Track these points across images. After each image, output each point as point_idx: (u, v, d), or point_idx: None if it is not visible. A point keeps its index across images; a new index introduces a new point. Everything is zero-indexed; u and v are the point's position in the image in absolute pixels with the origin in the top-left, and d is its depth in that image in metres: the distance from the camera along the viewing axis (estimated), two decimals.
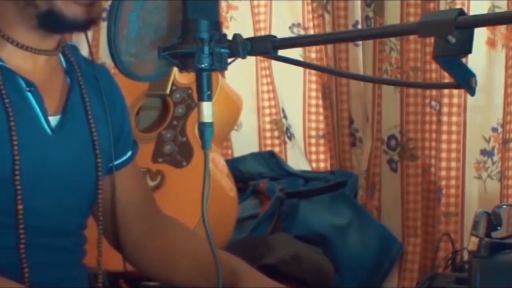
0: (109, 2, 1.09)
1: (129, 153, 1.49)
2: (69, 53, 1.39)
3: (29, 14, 1.25)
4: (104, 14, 1.41)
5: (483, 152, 2.19)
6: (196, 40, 0.99)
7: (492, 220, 1.48)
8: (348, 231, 2.25)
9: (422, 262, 2.28)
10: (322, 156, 2.62)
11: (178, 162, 2.08)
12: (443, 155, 2.19)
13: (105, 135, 1.39)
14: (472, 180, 2.19)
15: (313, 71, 2.65)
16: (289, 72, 2.59)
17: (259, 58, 2.53)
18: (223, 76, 2.41)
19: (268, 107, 2.64)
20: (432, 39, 0.91)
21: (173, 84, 2.21)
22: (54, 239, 1.33)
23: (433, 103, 2.25)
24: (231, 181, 2.14)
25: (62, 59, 1.38)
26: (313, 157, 2.63)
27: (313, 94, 2.62)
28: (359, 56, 2.51)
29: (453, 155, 2.19)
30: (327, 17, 2.58)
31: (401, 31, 1.29)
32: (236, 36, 1.01)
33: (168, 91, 2.20)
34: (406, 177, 2.32)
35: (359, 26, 2.47)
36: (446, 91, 2.18)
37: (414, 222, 2.30)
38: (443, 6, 2.15)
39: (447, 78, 1.29)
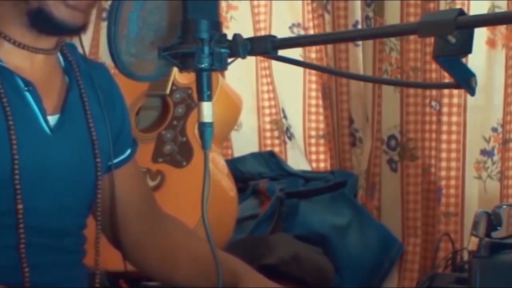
0: (109, 2, 1.09)
1: (128, 151, 1.49)
2: (68, 51, 1.39)
3: (21, 10, 1.25)
4: (104, 14, 1.41)
5: (483, 152, 2.19)
6: (196, 40, 0.99)
7: (492, 220, 1.48)
8: (348, 231, 2.25)
9: (422, 262, 2.28)
10: (322, 156, 2.62)
11: (178, 162, 2.08)
12: (443, 155, 2.19)
13: (104, 134, 1.38)
14: (472, 180, 2.19)
15: (313, 71, 2.65)
16: (289, 72, 2.59)
17: (259, 58, 2.53)
18: (223, 76, 2.41)
19: (268, 107, 2.64)
20: (432, 39, 0.91)
21: (173, 84, 2.21)
22: (54, 239, 1.33)
23: (433, 103, 2.25)
24: (231, 181, 2.14)
25: (61, 58, 1.38)
26: (313, 157, 2.63)
27: (313, 94, 2.62)
28: (359, 56, 2.51)
29: (453, 155, 2.19)
30: (327, 17, 2.58)
31: (401, 31, 1.29)
32: (236, 36, 1.01)
33: (168, 91, 2.20)
34: (406, 177, 2.32)
35: (359, 26, 2.47)
36: (446, 91, 2.18)
37: (414, 222, 2.30)
38: (443, 6, 2.15)
39: (447, 78, 1.29)
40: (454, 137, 2.18)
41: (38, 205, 1.28)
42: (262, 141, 2.65)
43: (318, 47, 2.57)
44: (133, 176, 1.50)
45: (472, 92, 0.94)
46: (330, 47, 2.59)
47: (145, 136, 2.16)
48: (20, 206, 1.25)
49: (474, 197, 2.20)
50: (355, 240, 2.24)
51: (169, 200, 1.88)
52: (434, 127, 2.25)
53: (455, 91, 2.16)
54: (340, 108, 2.60)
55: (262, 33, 2.57)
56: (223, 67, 1.01)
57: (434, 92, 2.24)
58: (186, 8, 1.01)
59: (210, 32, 1.00)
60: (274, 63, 2.56)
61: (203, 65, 1.00)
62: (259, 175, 2.48)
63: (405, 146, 2.31)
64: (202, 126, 1.02)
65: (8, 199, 1.24)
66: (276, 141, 2.64)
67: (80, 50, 1.44)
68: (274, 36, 1.01)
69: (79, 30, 1.28)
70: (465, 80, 0.94)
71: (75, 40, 1.41)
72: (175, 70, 1.70)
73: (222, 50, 1.00)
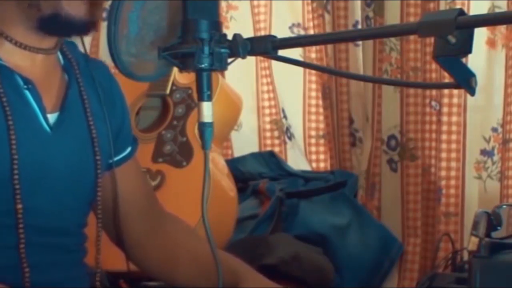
0: (109, 2, 1.09)
1: (129, 149, 1.48)
2: (67, 50, 1.39)
3: (31, 15, 1.25)
4: (104, 14, 1.41)
5: (483, 152, 2.19)
6: (196, 40, 0.99)
7: (492, 220, 1.48)
8: (348, 231, 2.25)
9: (422, 262, 2.28)
10: (322, 156, 2.62)
11: (178, 162, 2.08)
12: (443, 155, 2.19)
13: (104, 132, 1.38)
14: (472, 180, 2.19)
15: (313, 71, 2.65)
16: (289, 72, 2.59)
17: (259, 58, 2.53)
18: (223, 76, 2.41)
19: (268, 107, 2.64)
20: (432, 39, 0.91)
21: (173, 84, 2.21)
22: (54, 238, 1.32)
23: (433, 103, 2.25)
24: (231, 181, 2.13)
25: (60, 56, 1.38)
26: (313, 157, 2.63)
27: (313, 94, 2.62)
28: (359, 56, 2.51)
29: (453, 155, 2.19)
30: (327, 17, 2.58)
31: (401, 31, 1.29)
32: (236, 36, 1.01)
33: (168, 91, 2.20)
34: (406, 177, 2.32)
35: (359, 26, 2.47)
36: (446, 91, 2.18)
37: (414, 222, 2.30)
38: (443, 6, 2.15)
39: (447, 78, 1.29)
40: (454, 137, 2.18)
41: (37, 204, 1.28)
42: (262, 141, 2.65)
43: (318, 47, 2.57)
44: (134, 174, 1.50)
45: (472, 92, 0.94)
46: (330, 47, 2.59)
47: (145, 136, 2.16)
48: (19, 206, 1.24)
49: (474, 197, 2.20)
50: (355, 240, 2.24)
51: (169, 200, 1.87)
52: (434, 127, 2.25)
53: (455, 91, 2.16)
54: (340, 108, 2.60)
55: (262, 33, 2.57)
56: (223, 67, 1.01)
57: (434, 92, 2.24)
58: (186, 8, 1.01)
59: (210, 32, 1.00)
60: (274, 63, 2.56)
61: (203, 65, 1.00)
62: (259, 175, 2.48)
63: (405, 146, 2.31)
64: (202, 126, 1.02)
65: (8, 199, 1.24)
66: (276, 141, 2.64)
67: (81, 48, 1.44)
68: (274, 36, 1.01)
69: (90, 27, 1.27)
70: (465, 80, 0.94)
71: (76, 39, 1.40)
72: (175, 70, 1.70)
73: (222, 50, 1.00)
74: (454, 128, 2.18)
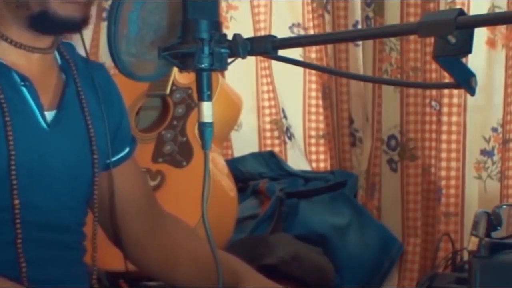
0: (109, 2, 1.09)
1: (127, 150, 1.48)
2: (65, 50, 1.39)
3: (21, 14, 1.26)
4: (104, 14, 1.41)
5: (483, 152, 2.19)
6: (196, 40, 0.99)
7: (492, 220, 1.48)
8: (348, 231, 2.25)
9: (422, 262, 2.28)
10: (322, 156, 2.62)
11: (178, 162, 2.08)
12: (443, 155, 2.19)
13: (101, 131, 1.39)
14: (472, 180, 2.19)
15: (313, 71, 2.65)
16: (289, 72, 2.59)
17: (259, 58, 2.53)
18: (223, 76, 2.41)
19: (268, 107, 2.64)
20: (432, 39, 0.91)
21: (173, 84, 2.21)
22: (52, 235, 1.33)
23: (433, 103, 2.25)
24: (231, 181, 2.14)
25: (58, 56, 1.38)
26: (313, 157, 2.63)
27: (313, 94, 2.62)
28: (359, 56, 2.51)
29: (453, 155, 2.19)
30: (327, 17, 2.58)
31: (401, 31, 1.29)
32: (236, 36, 1.01)
33: (168, 91, 2.20)
34: (406, 177, 2.32)
35: (359, 26, 2.47)
36: (446, 91, 2.18)
37: (414, 222, 2.30)
38: (443, 6, 2.15)
39: (447, 78, 1.29)
40: (454, 137, 2.18)
41: (35, 200, 1.28)
42: (262, 141, 2.65)
43: (318, 47, 2.57)
44: (132, 175, 1.50)
45: (472, 92, 0.94)
46: (330, 47, 2.59)
47: (145, 136, 2.16)
48: (16, 201, 1.25)
49: (474, 197, 2.20)
50: (355, 240, 2.24)
51: (169, 200, 1.87)
52: (434, 127, 2.25)
53: (455, 91, 2.16)
54: (340, 108, 2.60)
55: (262, 33, 2.57)
56: (223, 67, 1.01)
57: (434, 92, 2.24)
58: (186, 8, 1.01)
59: (210, 32, 1.00)
60: (274, 63, 2.56)
61: (203, 65, 1.00)
62: (259, 175, 2.48)
63: (405, 146, 2.31)
64: (202, 126, 1.02)
65: (5, 194, 1.25)
66: (276, 141, 2.64)
67: (80, 50, 1.44)
68: (274, 36, 1.01)
69: (81, 24, 1.28)
70: (465, 80, 0.94)
71: (77, 41, 1.41)
72: (175, 70, 1.70)
73: (222, 50, 1.00)
74: (454, 128, 2.18)
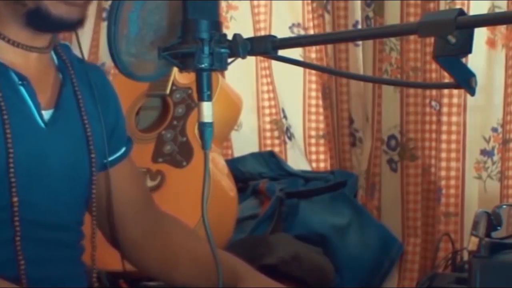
0: (109, 2, 1.09)
1: (123, 150, 1.49)
2: (61, 51, 1.40)
3: (18, 12, 1.26)
4: (104, 14, 1.41)
5: (483, 152, 2.19)
6: (196, 40, 0.99)
7: (492, 220, 1.48)
8: (348, 231, 2.25)
9: (422, 262, 2.28)
10: (322, 156, 2.62)
11: (178, 162, 2.08)
12: (443, 155, 2.19)
13: (98, 130, 1.39)
14: (472, 180, 2.19)
15: (313, 71, 2.65)
16: (289, 72, 2.59)
17: (259, 58, 2.53)
18: (223, 76, 2.41)
19: (268, 107, 2.64)
20: (432, 39, 0.91)
21: (173, 84, 2.21)
22: (50, 233, 1.33)
23: (433, 103, 2.25)
24: (231, 181, 2.14)
25: (54, 57, 1.39)
26: (313, 157, 2.63)
27: (313, 94, 2.62)
28: (359, 56, 2.51)
29: (453, 155, 2.19)
30: (327, 17, 2.58)
31: (401, 31, 1.29)
32: (236, 36, 1.01)
33: (168, 91, 2.20)
34: (406, 177, 2.32)
35: (359, 26, 2.47)
36: (446, 91, 2.18)
37: (414, 222, 2.30)
38: (443, 6, 2.15)
39: (447, 78, 1.29)
40: (454, 137, 2.18)
41: (33, 199, 1.29)
42: (262, 141, 2.65)
43: (318, 47, 2.57)
44: (129, 175, 1.50)
45: (472, 92, 0.94)
46: (330, 47, 2.59)
47: (145, 136, 2.16)
48: (15, 199, 1.25)
49: (474, 197, 2.20)
50: (355, 240, 2.24)
51: (169, 200, 1.88)
52: (434, 127, 2.25)
53: (455, 91, 2.16)
54: (340, 108, 2.60)
55: (262, 33, 2.57)
56: (223, 67, 1.01)
57: (434, 92, 2.24)
58: (186, 8, 1.01)
59: (210, 32, 1.00)
60: (274, 63, 2.56)
61: (203, 65, 1.00)
62: (259, 175, 2.48)
63: (405, 146, 2.31)
64: (202, 126, 1.02)
65: (3, 192, 1.25)
66: (276, 141, 2.64)
67: (76, 52, 1.44)
68: (274, 36, 1.01)
69: (76, 25, 1.28)
70: (465, 80, 0.94)
71: (74, 42, 1.41)
72: (175, 70, 1.70)
73: (222, 50, 1.00)
74: (454, 128, 2.18)
